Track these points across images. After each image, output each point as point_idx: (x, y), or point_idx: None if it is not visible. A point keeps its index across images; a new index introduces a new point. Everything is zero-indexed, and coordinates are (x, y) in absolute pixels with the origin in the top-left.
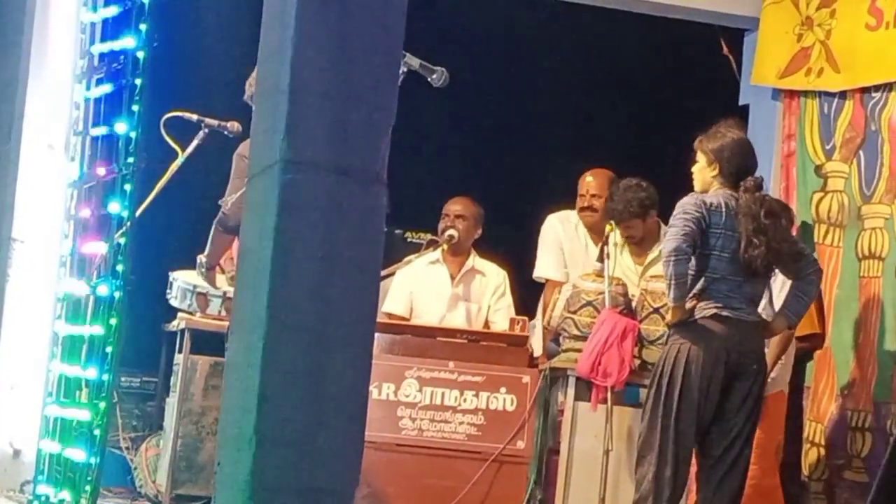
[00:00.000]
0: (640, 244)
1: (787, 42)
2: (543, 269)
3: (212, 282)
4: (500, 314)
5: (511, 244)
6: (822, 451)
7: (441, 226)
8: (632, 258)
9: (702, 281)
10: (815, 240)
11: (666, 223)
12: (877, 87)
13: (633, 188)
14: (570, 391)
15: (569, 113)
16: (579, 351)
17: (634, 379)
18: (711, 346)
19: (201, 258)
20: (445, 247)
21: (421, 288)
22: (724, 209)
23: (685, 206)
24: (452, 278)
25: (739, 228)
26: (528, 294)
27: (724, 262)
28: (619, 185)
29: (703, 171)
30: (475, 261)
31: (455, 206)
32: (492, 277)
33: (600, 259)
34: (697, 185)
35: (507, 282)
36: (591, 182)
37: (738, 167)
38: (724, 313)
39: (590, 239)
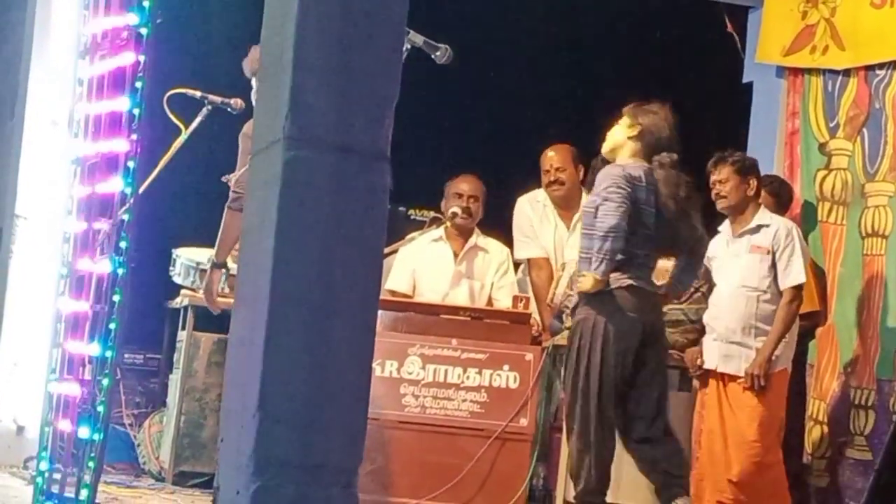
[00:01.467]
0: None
1: (791, 19)
2: (522, 250)
3: (212, 285)
4: (504, 291)
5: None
6: (825, 428)
7: (450, 204)
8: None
9: (625, 255)
10: (819, 218)
11: None
12: (881, 65)
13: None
14: None
15: (569, 90)
16: None
17: None
18: (627, 316)
19: (210, 257)
20: (449, 224)
21: (424, 265)
22: (644, 184)
23: (617, 181)
24: (455, 256)
25: (659, 206)
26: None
27: (640, 236)
28: (595, 162)
29: (622, 130)
30: (478, 238)
31: (467, 186)
32: (495, 255)
33: None
34: (608, 145)
35: (511, 259)
36: (553, 156)
37: (659, 144)
38: (638, 284)
39: (557, 216)
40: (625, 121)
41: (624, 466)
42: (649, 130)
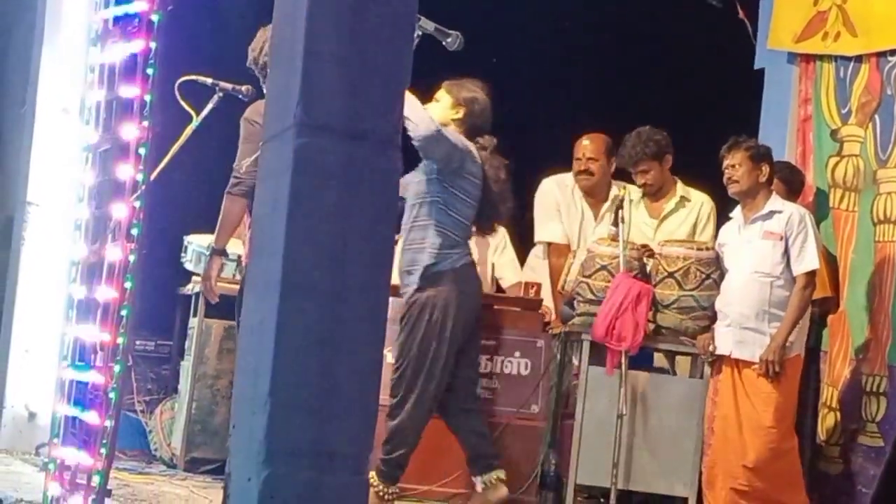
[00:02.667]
0: (655, 195)
1: (803, 6)
2: (546, 233)
3: (211, 271)
4: (507, 269)
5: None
6: (838, 415)
7: None
8: (647, 211)
9: (459, 228)
10: (831, 204)
11: (679, 174)
12: (893, 52)
13: (646, 131)
14: (585, 355)
15: (579, 75)
16: (594, 315)
17: (649, 343)
18: (466, 293)
19: (210, 244)
20: None
21: None
22: (476, 158)
23: (456, 134)
24: None
25: (485, 187)
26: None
27: (469, 209)
28: (631, 133)
29: (444, 110)
30: None
31: None
32: (495, 236)
33: (615, 223)
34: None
35: (508, 237)
36: (587, 145)
37: (481, 123)
38: (472, 260)
39: (585, 203)
40: (446, 99)
41: (634, 453)
42: (473, 112)
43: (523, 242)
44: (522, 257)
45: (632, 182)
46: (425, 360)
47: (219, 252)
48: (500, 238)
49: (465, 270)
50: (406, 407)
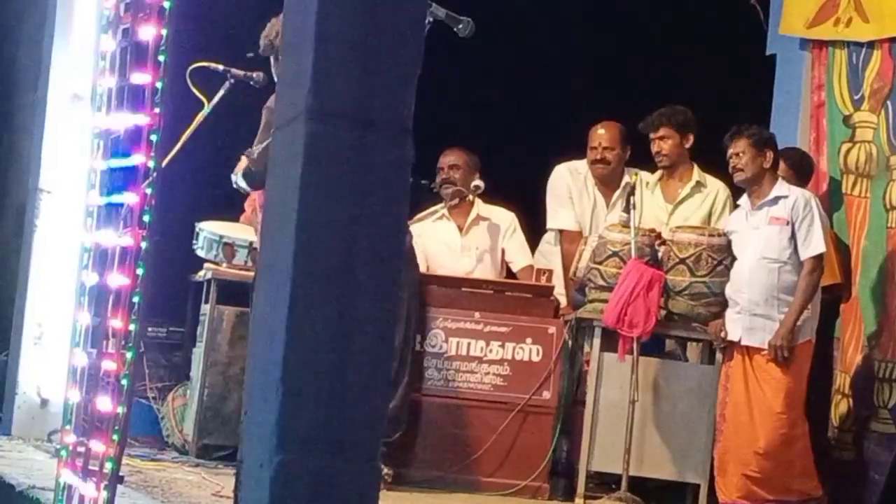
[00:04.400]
0: (671, 174)
1: None
2: (558, 220)
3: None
4: (517, 253)
5: (524, 192)
6: (851, 401)
7: (437, 180)
8: (662, 195)
9: None
10: (843, 190)
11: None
12: None
13: (677, 106)
14: (596, 342)
15: (587, 62)
16: (605, 301)
17: (660, 329)
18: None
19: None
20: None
21: (432, 244)
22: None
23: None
24: (461, 229)
25: None
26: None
27: None
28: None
29: None
30: (480, 208)
31: (444, 159)
32: (500, 221)
33: (626, 210)
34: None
35: (517, 221)
36: (602, 134)
37: None
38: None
39: (598, 191)
40: None
41: (646, 438)
42: None
43: (534, 228)
44: (533, 243)
45: (642, 168)
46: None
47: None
48: (510, 221)
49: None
50: (399, 389)
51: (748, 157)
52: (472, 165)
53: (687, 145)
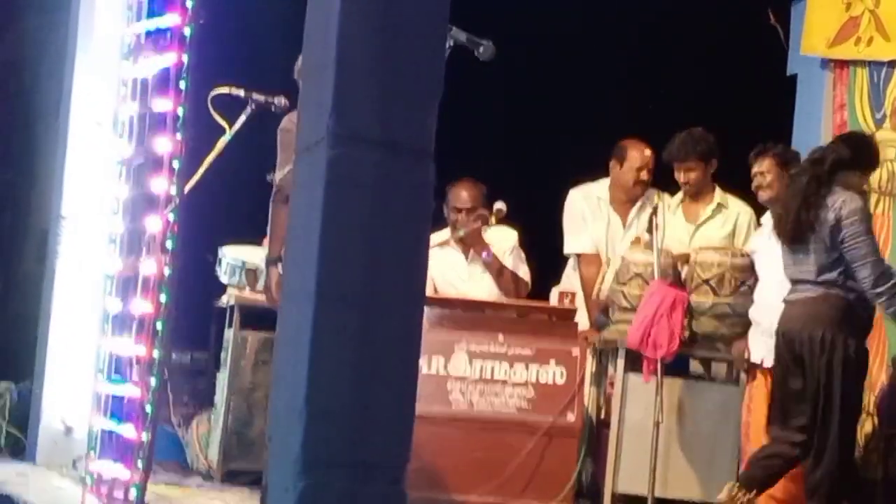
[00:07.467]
0: (695, 198)
1: (835, 11)
2: (574, 245)
3: (269, 281)
4: (521, 269)
5: (539, 215)
6: (876, 420)
7: (451, 218)
8: (684, 217)
9: None
10: None
11: (720, 183)
12: None
13: (698, 131)
14: (620, 363)
15: (610, 82)
16: (629, 323)
17: (684, 350)
18: None
19: (265, 257)
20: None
21: (439, 272)
22: None
23: None
24: (466, 255)
25: None
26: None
27: None
28: (681, 133)
29: None
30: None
31: (460, 197)
32: (503, 242)
33: (649, 230)
34: None
35: (516, 238)
36: (650, 156)
37: None
38: None
39: (611, 210)
40: None
41: (671, 460)
42: None
43: (547, 249)
44: (547, 266)
45: (665, 189)
46: None
47: (274, 262)
48: (510, 241)
49: None
50: None
51: (773, 176)
52: (484, 197)
53: (711, 170)
